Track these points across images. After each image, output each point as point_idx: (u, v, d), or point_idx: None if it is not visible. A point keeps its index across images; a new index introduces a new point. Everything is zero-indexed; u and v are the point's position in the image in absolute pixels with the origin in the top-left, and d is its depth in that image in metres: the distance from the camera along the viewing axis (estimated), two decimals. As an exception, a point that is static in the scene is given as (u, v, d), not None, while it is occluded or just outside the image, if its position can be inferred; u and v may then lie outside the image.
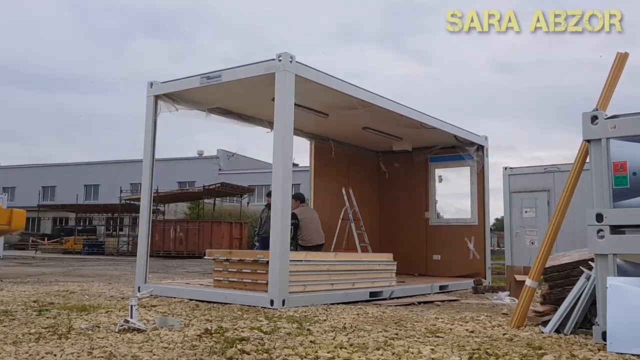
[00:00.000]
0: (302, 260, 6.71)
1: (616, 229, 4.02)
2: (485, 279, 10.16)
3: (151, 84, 7.67)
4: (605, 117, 4.19)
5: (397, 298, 7.44)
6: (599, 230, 4.04)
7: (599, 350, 3.69)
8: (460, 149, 10.62)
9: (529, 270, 4.93)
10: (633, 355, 3.54)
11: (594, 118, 4.21)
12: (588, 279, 4.39)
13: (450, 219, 11.50)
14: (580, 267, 4.69)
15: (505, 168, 12.95)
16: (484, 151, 10.78)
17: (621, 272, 3.99)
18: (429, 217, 11.53)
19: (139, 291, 7.16)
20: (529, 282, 4.76)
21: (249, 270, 6.74)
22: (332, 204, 10.72)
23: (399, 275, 8.63)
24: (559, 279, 5.03)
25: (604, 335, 3.82)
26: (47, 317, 4.94)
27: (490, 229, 11.99)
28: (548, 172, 12.38)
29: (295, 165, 19.78)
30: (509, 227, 12.64)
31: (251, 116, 8.90)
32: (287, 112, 6.32)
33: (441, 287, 8.77)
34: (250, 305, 6.07)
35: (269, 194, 7.59)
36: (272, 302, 5.96)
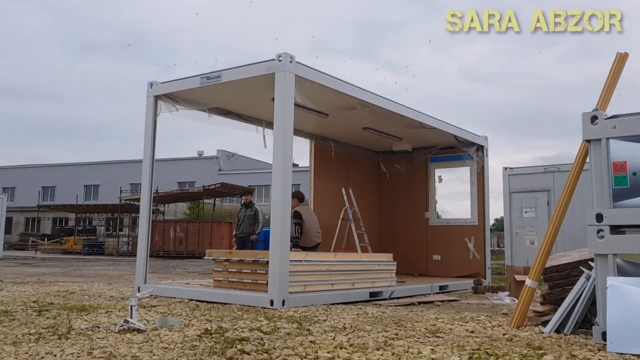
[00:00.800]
0: (302, 261, 6.71)
1: (616, 229, 4.02)
2: (485, 279, 10.16)
3: (151, 84, 7.66)
4: (605, 117, 4.19)
5: (397, 298, 7.44)
6: (599, 230, 4.04)
7: (599, 350, 3.69)
8: (460, 149, 10.62)
9: (529, 270, 4.93)
10: (633, 355, 3.54)
11: (594, 118, 4.20)
12: (588, 279, 4.39)
13: (450, 219, 11.49)
14: (580, 267, 4.69)
15: (505, 168, 12.97)
16: (484, 151, 10.78)
17: (621, 272, 3.98)
18: (429, 217, 11.53)
19: (138, 291, 7.16)
20: (528, 282, 4.76)
21: (249, 271, 6.74)
22: (332, 204, 10.71)
23: (399, 275, 8.63)
24: (559, 279, 5.03)
25: (604, 335, 3.81)
26: (47, 318, 4.93)
27: (490, 229, 11.98)
28: (548, 172, 12.39)
29: (295, 165, 19.80)
30: (509, 227, 12.65)
31: (251, 116, 8.89)
32: (287, 112, 6.32)
33: (441, 287, 8.77)
34: (250, 306, 6.07)
35: (245, 193, 7.58)
36: (272, 302, 5.96)
